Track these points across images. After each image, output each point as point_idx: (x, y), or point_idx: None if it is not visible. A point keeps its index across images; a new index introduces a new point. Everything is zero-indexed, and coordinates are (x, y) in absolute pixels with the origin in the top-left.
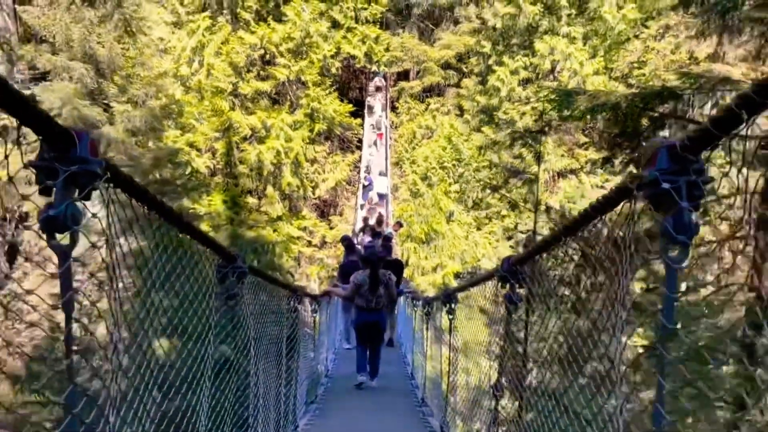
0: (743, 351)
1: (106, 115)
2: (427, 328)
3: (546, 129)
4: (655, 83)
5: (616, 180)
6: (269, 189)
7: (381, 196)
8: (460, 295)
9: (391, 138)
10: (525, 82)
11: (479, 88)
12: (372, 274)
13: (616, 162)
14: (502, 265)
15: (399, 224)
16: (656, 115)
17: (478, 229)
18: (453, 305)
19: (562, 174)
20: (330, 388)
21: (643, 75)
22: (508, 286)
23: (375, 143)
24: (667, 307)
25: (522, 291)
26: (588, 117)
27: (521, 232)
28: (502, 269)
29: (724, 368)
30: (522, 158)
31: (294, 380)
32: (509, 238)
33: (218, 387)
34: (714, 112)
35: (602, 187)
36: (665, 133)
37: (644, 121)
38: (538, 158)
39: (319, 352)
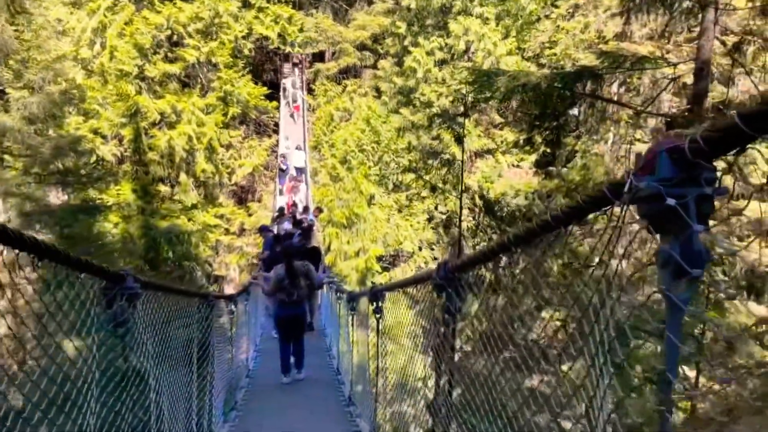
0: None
1: (0, 103)
2: (352, 323)
3: (468, 111)
4: (565, 63)
5: (531, 159)
6: (182, 176)
7: (299, 170)
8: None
9: (308, 121)
10: (441, 63)
11: (396, 70)
12: (288, 267)
13: (537, 142)
14: (438, 272)
15: (319, 209)
16: (567, 94)
17: (399, 211)
18: (380, 303)
19: (479, 154)
20: (251, 389)
21: (554, 55)
22: (444, 295)
23: (292, 116)
24: (671, 357)
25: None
26: (509, 98)
27: (442, 213)
28: (438, 276)
29: (646, 346)
30: (440, 139)
31: (209, 391)
32: (430, 220)
33: (109, 422)
34: (622, 90)
35: (518, 166)
36: (574, 111)
37: (560, 102)
38: (461, 141)
39: (238, 353)
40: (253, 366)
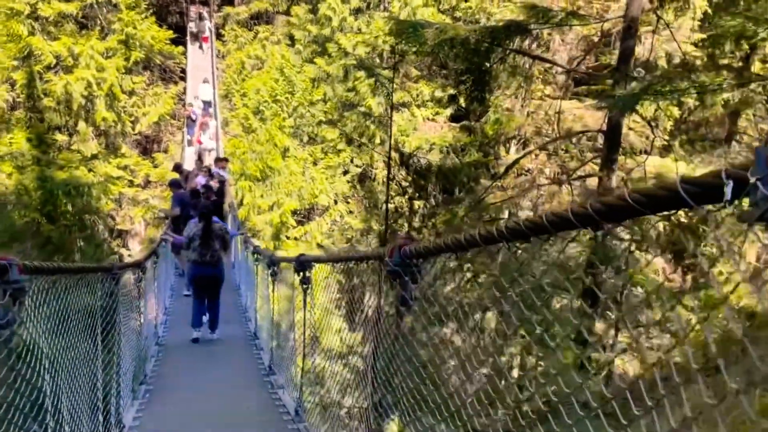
0: (584, 289)
1: None
2: (273, 288)
3: (396, 64)
4: (480, 17)
5: (446, 113)
6: (81, 124)
7: (206, 104)
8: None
9: (217, 69)
10: (356, 12)
11: (310, 17)
12: (205, 229)
13: (462, 97)
14: (392, 255)
15: (226, 160)
16: (497, 48)
17: (315, 164)
18: (308, 273)
19: (394, 107)
20: (162, 359)
21: (470, 8)
22: (398, 283)
23: (201, 47)
24: None
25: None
26: (437, 52)
27: (357, 167)
28: (393, 262)
29: (564, 302)
30: (356, 91)
31: (116, 373)
32: (345, 173)
33: None
34: (534, 46)
35: (433, 119)
36: (486, 65)
37: (487, 57)
38: (379, 94)
39: (146, 320)
40: (162, 333)
